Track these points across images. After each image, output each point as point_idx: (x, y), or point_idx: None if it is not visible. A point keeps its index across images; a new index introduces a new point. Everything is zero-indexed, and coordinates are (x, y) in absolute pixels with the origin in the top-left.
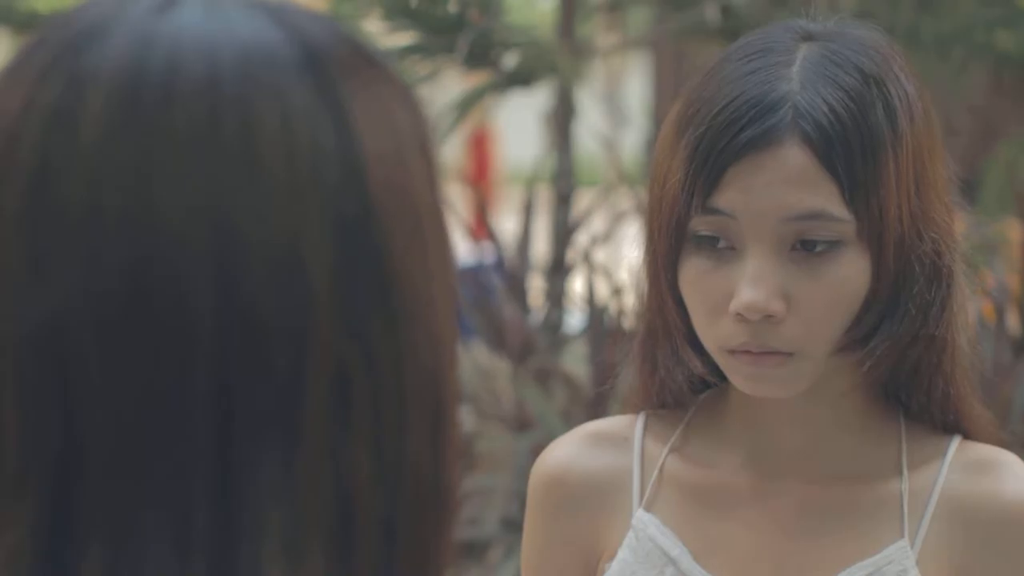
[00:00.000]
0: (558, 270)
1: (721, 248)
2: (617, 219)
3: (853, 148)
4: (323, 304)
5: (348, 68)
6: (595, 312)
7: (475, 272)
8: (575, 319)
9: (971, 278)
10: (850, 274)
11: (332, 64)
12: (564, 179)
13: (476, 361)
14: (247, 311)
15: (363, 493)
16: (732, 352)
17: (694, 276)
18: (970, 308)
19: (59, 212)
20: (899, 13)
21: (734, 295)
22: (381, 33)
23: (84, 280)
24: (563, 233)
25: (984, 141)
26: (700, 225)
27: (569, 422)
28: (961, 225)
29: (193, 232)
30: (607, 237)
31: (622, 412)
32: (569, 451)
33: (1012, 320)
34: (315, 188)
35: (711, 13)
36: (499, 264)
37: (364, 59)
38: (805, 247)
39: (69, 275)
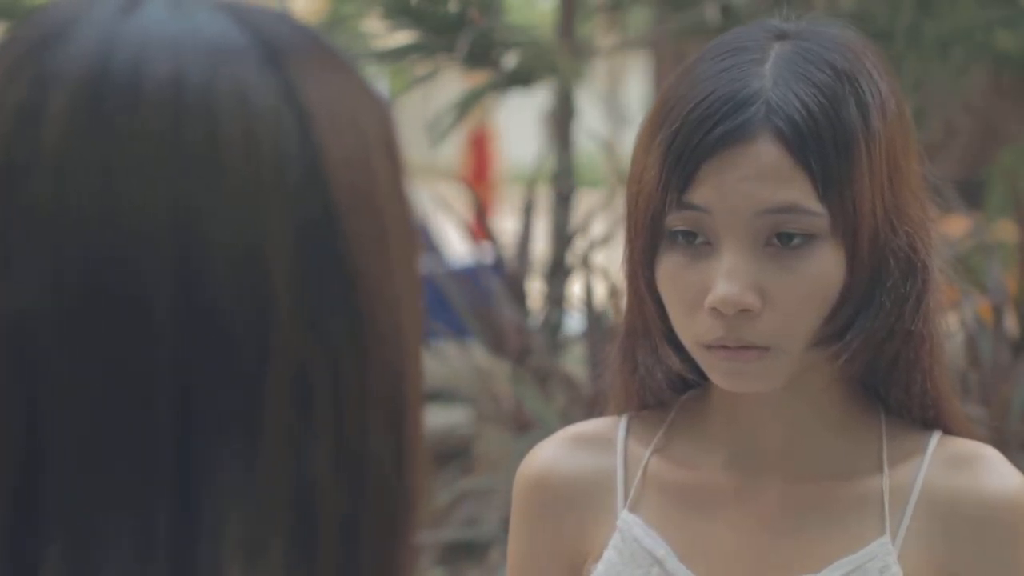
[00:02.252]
0: (558, 271)
1: (697, 244)
2: (617, 221)
3: (825, 143)
4: (284, 305)
5: (313, 69)
6: (595, 313)
7: (474, 273)
8: (575, 321)
9: (960, 276)
10: (825, 268)
11: (297, 66)
12: (564, 179)
13: (475, 362)
14: (208, 312)
15: (324, 492)
16: (709, 347)
17: (670, 272)
18: (967, 306)
19: (24, 210)
20: (899, 14)
21: (710, 290)
22: (381, 32)
23: (48, 279)
24: (563, 234)
25: (984, 141)
26: (675, 221)
27: (568, 423)
28: (961, 225)
29: (155, 232)
30: (607, 239)
31: (609, 413)
32: (553, 453)
33: (1010, 321)
34: (277, 190)
35: (711, 13)
36: (498, 265)
37: (330, 60)
38: (780, 241)
39: (34, 273)
